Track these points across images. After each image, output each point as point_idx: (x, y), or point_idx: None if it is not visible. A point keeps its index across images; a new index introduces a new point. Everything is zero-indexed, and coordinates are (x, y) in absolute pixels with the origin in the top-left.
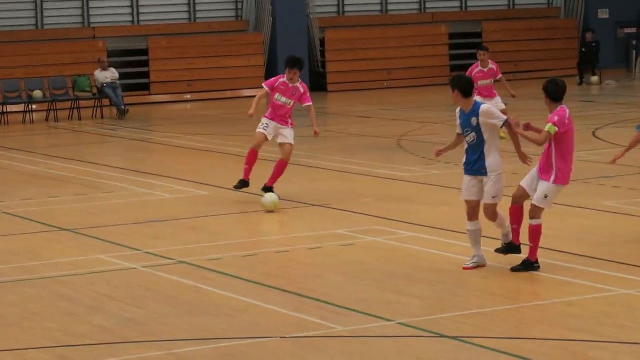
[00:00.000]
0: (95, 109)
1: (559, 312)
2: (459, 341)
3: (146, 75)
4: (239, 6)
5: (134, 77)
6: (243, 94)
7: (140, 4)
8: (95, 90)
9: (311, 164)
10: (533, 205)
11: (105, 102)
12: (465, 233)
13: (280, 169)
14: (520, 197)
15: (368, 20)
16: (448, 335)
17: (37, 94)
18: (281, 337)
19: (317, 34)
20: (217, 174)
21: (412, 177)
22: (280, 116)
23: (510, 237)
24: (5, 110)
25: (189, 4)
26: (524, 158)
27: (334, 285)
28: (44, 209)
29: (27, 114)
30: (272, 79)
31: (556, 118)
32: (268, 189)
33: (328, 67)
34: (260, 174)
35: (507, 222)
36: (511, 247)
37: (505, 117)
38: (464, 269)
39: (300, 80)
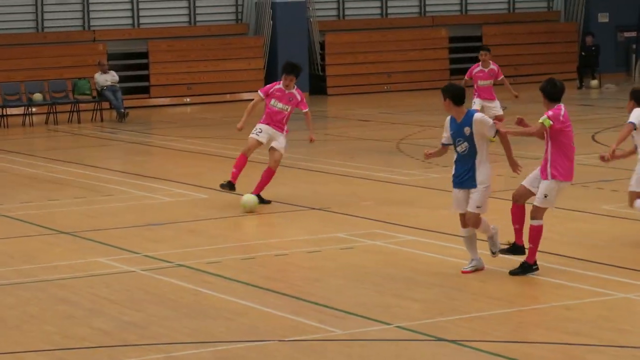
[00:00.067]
0: (95, 111)
1: (558, 315)
2: (458, 345)
3: (146, 78)
4: (239, 9)
5: (133, 80)
6: (243, 97)
7: (140, 7)
8: (95, 93)
9: (311, 167)
10: (534, 206)
11: (105, 105)
12: None
13: (268, 176)
14: (520, 196)
15: (368, 24)
16: (447, 338)
17: (37, 96)
18: (280, 341)
19: (317, 37)
20: (217, 177)
21: (411, 180)
22: (276, 121)
23: (496, 240)
24: (5, 113)
25: (189, 7)
26: (514, 166)
27: (333, 289)
28: (44, 211)
29: (27, 117)
30: (268, 85)
31: (550, 113)
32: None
33: (328, 70)
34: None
35: (491, 226)
36: (516, 248)
37: (495, 127)
38: (463, 272)
39: (295, 87)
